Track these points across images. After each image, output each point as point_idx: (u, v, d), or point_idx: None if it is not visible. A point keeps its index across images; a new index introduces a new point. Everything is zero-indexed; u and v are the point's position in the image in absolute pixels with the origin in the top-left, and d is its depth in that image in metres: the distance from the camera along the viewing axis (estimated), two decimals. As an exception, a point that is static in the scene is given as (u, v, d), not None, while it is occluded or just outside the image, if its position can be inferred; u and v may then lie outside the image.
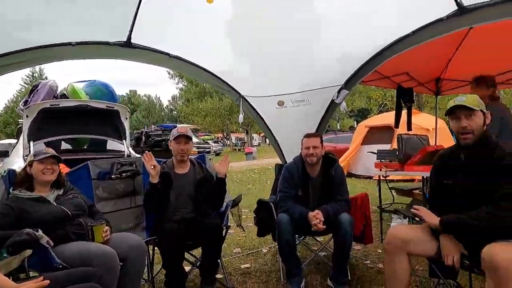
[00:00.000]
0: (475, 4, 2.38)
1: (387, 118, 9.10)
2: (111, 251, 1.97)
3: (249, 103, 3.62)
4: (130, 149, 5.47)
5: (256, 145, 32.69)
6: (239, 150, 31.39)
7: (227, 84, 3.47)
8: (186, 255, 2.75)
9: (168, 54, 3.04)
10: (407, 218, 2.46)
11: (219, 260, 2.73)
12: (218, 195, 2.82)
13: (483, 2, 2.35)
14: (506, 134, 2.92)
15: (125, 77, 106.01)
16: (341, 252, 2.69)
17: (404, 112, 5.66)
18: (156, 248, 2.73)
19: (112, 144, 5.44)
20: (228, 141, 37.29)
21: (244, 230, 3.44)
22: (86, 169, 2.70)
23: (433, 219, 1.97)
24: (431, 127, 7.28)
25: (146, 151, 2.76)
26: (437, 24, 2.59)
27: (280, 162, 3.77)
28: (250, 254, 3.61)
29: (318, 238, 3.58)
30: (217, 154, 24.06)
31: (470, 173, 1.89)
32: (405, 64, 4.91)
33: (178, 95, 53.25)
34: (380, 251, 3.42)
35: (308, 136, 2.89)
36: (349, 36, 2.90)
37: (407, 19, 2.69)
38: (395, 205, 4.28)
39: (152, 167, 2.61)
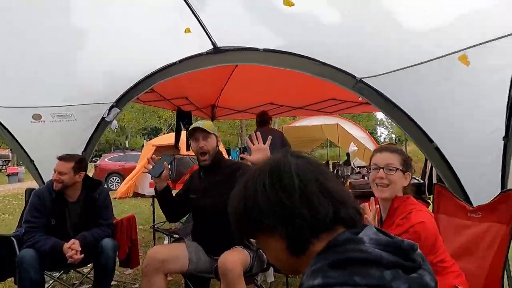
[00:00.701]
0: (226, 46, 2.84)
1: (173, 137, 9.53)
2: None
3: (-10, 114, 2.89)
4: None
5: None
6: (0, 170, 24.81)
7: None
8: None
9: None
10: (168, 236, 2.56)
11: None
12: None
13: (232, 46, 2.84)
14: None
15: None
16: (103, 281, 2.50)
17: (184, 133, 6.06)
18: None
19: None
20: (-17, 159, 28.83)
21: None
22: None
23: None
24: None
25: None
26: (199, 58, 2.93)
27: (37, 187, 3.18)
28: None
29: (84, 269, 3.20)
30: (-38, 177, 18.10)
31: (208, 188, 2.20)
32: (185, 90, 5.31)
33: None
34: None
35: (59, 158, 2.52)
36: (118, 55, 2.83)
37: (174, 49, 2.90)
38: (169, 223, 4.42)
39: None
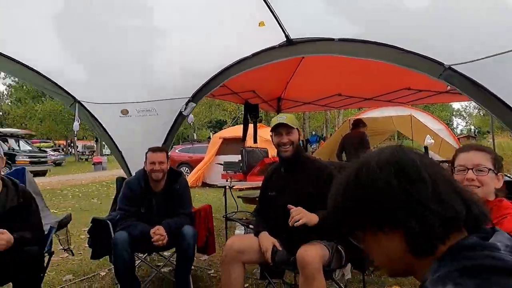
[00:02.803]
0: (300, 38, 2.80)
1: (240, 130, 9.75)
2: None
3: (86, 109, 3.24)
4: None
5: (107, 154, 29.77)
6: (86, 159, 27.94)
7: (57, 86, 3.00)
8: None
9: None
10: (243, 226, 2.64)
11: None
12: None
13: (306, 38, 2.79)
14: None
15: None
16: (184, 265, 2.67)
17: (251, 126, 6.18)
18: None
19: None
20: (73, 149, 32.73)
21: (74, 254, 3.01)
22: None
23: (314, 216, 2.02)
24: (274, 140, 8.18)
25: None
26: (271, 51, 2.93)
27: (125, 176, 3.51)
28: (84, 280, 3.18)
29: (165, 253, 3.47)
30: (58, 165, 20.72)
31: (288, 185, 2.19)
32: (252, 83, 5.39)
33: (5, 92, 43.81)
34: (224, 259, 3.56)
35: (153, 150, 2.76)
36: (194, 52, 2.95)
37: (246, 43, 2.94)
38: (241, 213, 4.55)
39: None
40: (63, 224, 2.48)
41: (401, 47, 2.38)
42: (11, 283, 2.11)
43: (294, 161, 2.22)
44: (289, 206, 2.02)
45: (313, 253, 1.87)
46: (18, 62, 2.70)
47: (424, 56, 2.31)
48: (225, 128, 17.54)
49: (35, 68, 2.80)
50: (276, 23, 2.64)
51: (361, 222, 0.72)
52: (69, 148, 34.48)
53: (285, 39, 2.81)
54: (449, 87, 2.30)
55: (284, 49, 2.88)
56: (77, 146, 31.52)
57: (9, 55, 2.64)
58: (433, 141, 6.71)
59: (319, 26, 2.71)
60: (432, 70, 2.32)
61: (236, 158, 6.91)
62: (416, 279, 0.73)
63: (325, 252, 1.96)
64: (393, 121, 9.18)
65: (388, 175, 0.68)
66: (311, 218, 1.98)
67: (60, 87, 3.03)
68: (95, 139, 31.64)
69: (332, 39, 2.62)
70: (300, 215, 1.95)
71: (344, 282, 2.33)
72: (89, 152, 30.92)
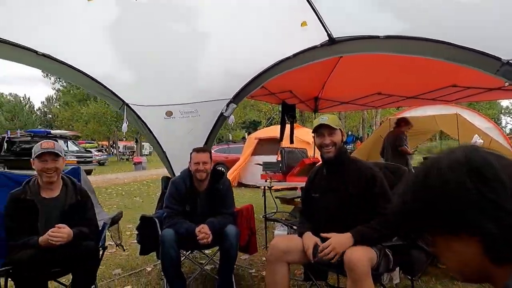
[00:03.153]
0: (342, 37, 2.75)
1: (275, 130, 9.73)
2: None
3: (134, 112, 3.40)
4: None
5: (146, 155, 30.98)
6: (127, 159, 29.23)
7: (108, 90, 3.18)
8: (54, 284, 2.36)
9: (35, 51, 2.63)
10: (287, 227, 2.64)
11: (93, 286, 2.43)
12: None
13: (349, 36, 2.74)
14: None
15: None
16: (227, 264, 2.72)
17: (288, 126, 6.15)
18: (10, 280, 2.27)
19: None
20: (115, 150, 34.39)
21: (125, 250, 3.17)
22: None
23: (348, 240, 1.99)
24: (311, 140, 8.08)
25: None
26: (313, 51, 2.91)
27: (168, 175, 3.64)
28: (132, 274, 3.33)
29: (206, 251, 3.55)
30: (101, 164, 21.87)
31: (331, 186, 2.16)
32: (289, 83, 5.37)
33: (54, 96, 47.01)
34: (265, 259, 3.57)
35: (197, 151, 2.83)
36: (235, 53, 3.00)
37: (287, 44, 2.94)
38: (279, 213, 4.56)
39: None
40: (115, 220, 2.62)
41: (453, 42, 2.27)
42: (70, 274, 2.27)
43: (336, 162, 2.18)
44: (321, 237, 2.03)
45: (361, 256, 1.83)
46: (74, 68, 2.89)
47: (479, 51, 2.19)
48: (259, 129, 17.62)
49: (89, 74, 2.99)
50: (318, 22, 2.62)
51: (429, 224, 0.70)
52: (111, 148, 36.25)
53: (327, 38, 2.77)
54: (507, 84, 2.16)
55: (326, 49, 2.85)
56: (119, 147, 33.09)
57: (66, 62, 2.83)
58: (482, 141, 6.31)
59: (361, 24, 2.65)
60: (488, 65, 2.19)
61: (272, 158, 6.94)
62: (493, 286, 0.70)
63: (372, 255, 1.91)
64: (436, 120, 8.75)
65: (459, 176, 0.65)
66: (345, 243, 1.96)
67: (111, 91, 3.21)
68: (135, 140, 33.02)
69: (377, 37, 2.55)
70: (334, 251, 1.94)
71: (392, 286, 2.26)
72: (129, 152, 32.31)
